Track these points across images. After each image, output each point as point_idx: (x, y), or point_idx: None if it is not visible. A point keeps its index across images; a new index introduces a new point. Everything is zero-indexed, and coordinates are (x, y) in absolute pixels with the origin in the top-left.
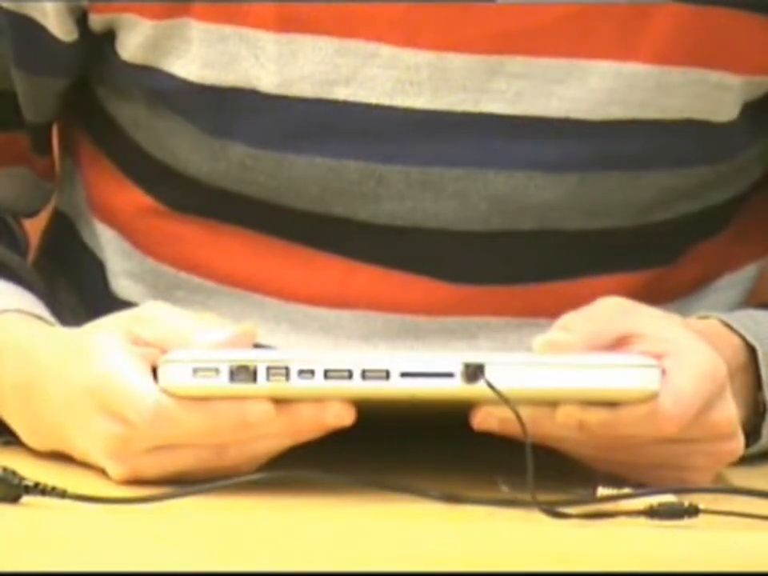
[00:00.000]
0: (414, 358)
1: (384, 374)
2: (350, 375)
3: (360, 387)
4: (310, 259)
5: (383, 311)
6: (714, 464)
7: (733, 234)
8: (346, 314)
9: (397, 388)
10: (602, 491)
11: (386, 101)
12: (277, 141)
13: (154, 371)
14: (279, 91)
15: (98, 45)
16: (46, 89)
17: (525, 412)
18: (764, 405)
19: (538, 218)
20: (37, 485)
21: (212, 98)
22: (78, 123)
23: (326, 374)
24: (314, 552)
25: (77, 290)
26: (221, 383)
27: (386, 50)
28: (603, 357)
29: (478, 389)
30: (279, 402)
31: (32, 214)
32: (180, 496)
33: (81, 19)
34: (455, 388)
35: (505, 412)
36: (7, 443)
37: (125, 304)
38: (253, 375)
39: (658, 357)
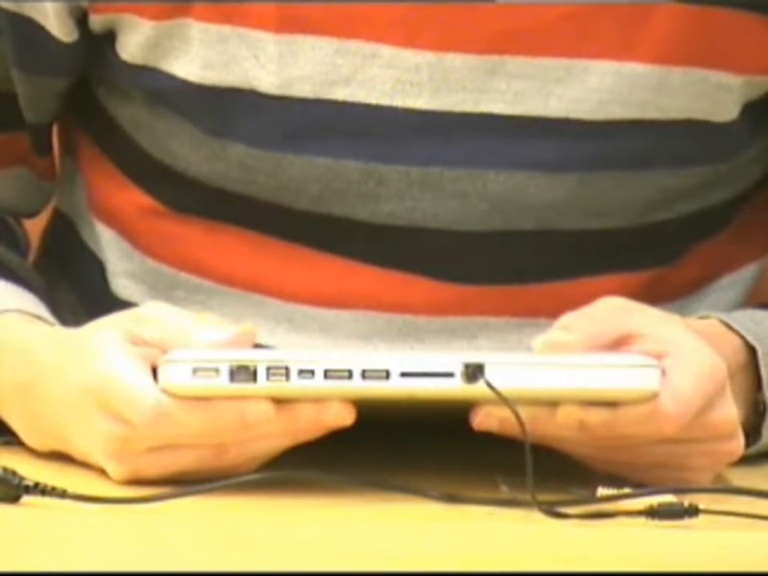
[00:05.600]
0: (413, 357)
1: (384, 374)
2: (350, 375)
3: (360, 387)
4: (310, 259)
5: (383, 311)
6: (713, 464)
7: (733, 234)
8: (345, 314)
9: (397, 388)
10: (601, 491)
11: (385, 101)
12: (277, 141)
13: (154, 371)
14: (279, 91)
15: (98, 45)
16: (45, 89)
17: (525, 412)
18: (764, 405)
19: (537, 218)
20: (37, 485)
21: (212, 99)
22: (78, 123)
23: (326, 374)
24: (314, 552)
25: (77, 289)
26: (221, 383)
27: (386, 51)
28: (603, 357)
29: (478, 389)
30: (279, 401)
31: (32, 214)
32: (180, 496)
33: (81, 20)
34: (455, 388)
35: (505, 412)
36: (7, 443)
37: (125, 304)
38: (253, 375)
39: (658, 357)
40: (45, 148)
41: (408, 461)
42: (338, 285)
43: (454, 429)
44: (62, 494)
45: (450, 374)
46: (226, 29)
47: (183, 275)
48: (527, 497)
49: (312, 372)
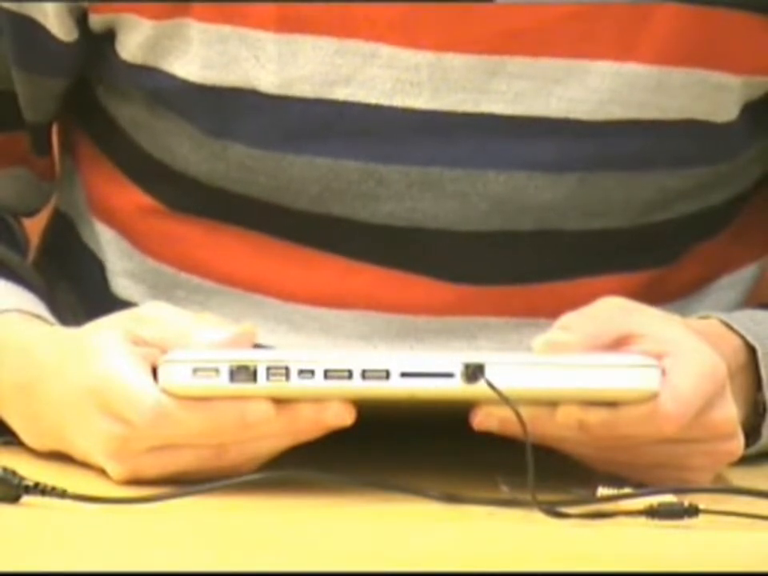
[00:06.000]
0: (413, 357)
1: (384, 374)
2: (350, 375)
3: (360, 387)
4: (310, 259)
5: (383, 311)
6: (713, 464)
7: (733, 234)
8: (345, 314)
9: (397, 388)
10: (602, 491)
11: (385, 101)
12: (277, 141)
13: (154, 371)
14: (279, 91)
15: (98, 45)
16: (45, 89)
17: (525, 412)
18: (764, 405)
19: (537, 218)
20: (37, 485)
21: (212, 99)
22: (78, 123)
23: (326, 374)
24: (314, 552)
25: (77, 289)
26: (221, 383)
27: (386, 50)
28: (603, 357)
29: (478, 389)
30: (279, 401)
31: (32, 213)
32: (180, 496)
33: (81, 19)
34: (455, 388)
35: (505, 412)
36: (7, 443)
37: (125, 304)
38: (253, 375)
39: (658, 357)
40: (44, 148)
41: (408, 461)
42: (337, 285)
43: (454, 429)
44: (62, 494)
45: (449, 374)
46: (226, 29)
47: (183, 275)
48: (527, 497)
49: (312, 372)
